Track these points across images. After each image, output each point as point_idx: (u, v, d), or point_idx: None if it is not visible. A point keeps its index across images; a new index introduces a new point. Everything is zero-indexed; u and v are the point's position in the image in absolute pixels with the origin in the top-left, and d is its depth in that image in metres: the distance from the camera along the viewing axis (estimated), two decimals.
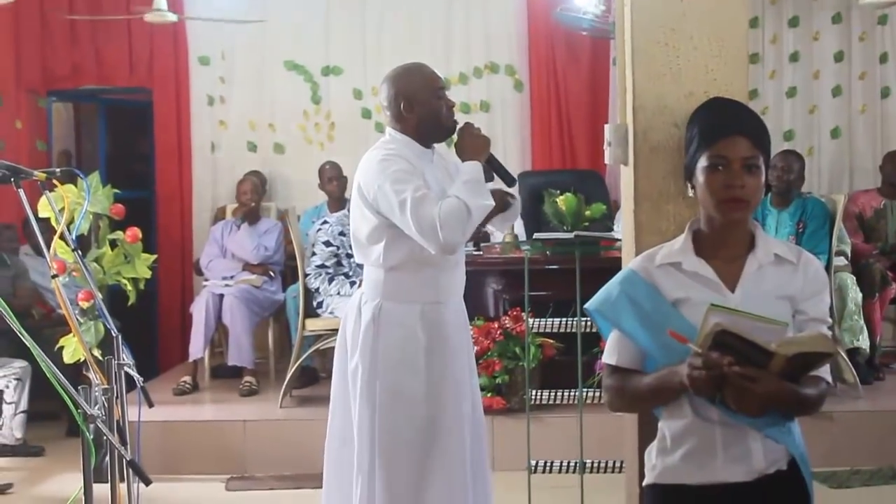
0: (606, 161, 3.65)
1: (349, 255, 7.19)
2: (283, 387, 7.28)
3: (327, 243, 7.35)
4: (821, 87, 9.46)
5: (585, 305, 3.01)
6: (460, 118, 4.23)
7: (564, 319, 5.40)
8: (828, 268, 6.94)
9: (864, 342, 7.41)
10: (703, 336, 2.68)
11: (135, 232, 6.65)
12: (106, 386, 4.06)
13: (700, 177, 2.89)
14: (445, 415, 4.12)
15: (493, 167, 4.23)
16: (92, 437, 3.70)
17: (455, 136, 4.17)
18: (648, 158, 3.40)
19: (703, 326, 2.69)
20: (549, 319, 5.44)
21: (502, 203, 4.33)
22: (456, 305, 4.27)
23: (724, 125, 2.91)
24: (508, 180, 4.30)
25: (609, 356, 3.00)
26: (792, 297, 2.89)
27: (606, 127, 3.60)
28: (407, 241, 3.98)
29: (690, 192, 2.97)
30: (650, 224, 3.39)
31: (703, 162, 2.88)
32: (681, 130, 3.29)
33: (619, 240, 6.04)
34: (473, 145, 4.10)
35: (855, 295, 7.45)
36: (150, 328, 9.47)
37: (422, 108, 4.12)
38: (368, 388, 4.12)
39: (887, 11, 9.22)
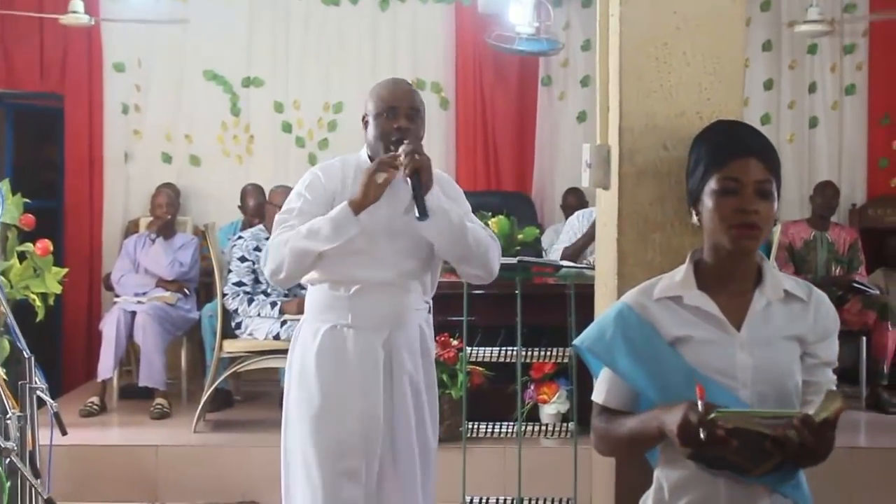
0: (584, 184, 3.42)
1: None
2: (198, 410, 6.95)
3: (242, 259, 7.13)
4: (750, 114, 9.30)
5: (575, 342, 2.74)
6: None
7: (499, 348, 5.25)
8: None
9: None
10: None
11: (45, 244, 6.30)
12: (20, 413, 3.85)
13: (708, 201, 2.63)
14: (343, 444, 3.86)
15: (413, 194, 3.74)
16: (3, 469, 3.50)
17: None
18: (634, 183, 3.16)
19: None
20: (479, 348, 5.29)
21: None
22: (375, 333, 3.91)
23: (736, 145, 2.65)
24: (420, 213, 3.71)
25: (598, 394, 2.75)
26: (801, 337, 2.65)
27: (585, 147, 3.36)
28: None
29: (695, 220, 2.71)
30: (635, 254, 3.15)
31: (712, 185, 2.62)
32: (670, 153, 3.07)
33: (564, 266, 5.89)
34: (364, 184, 3.73)
35: None
36: (53, 345, 9.03)
37: (369, 125, 3.94)
38: (284, 410, 4.02)
39: (817, 41, 9.19)
